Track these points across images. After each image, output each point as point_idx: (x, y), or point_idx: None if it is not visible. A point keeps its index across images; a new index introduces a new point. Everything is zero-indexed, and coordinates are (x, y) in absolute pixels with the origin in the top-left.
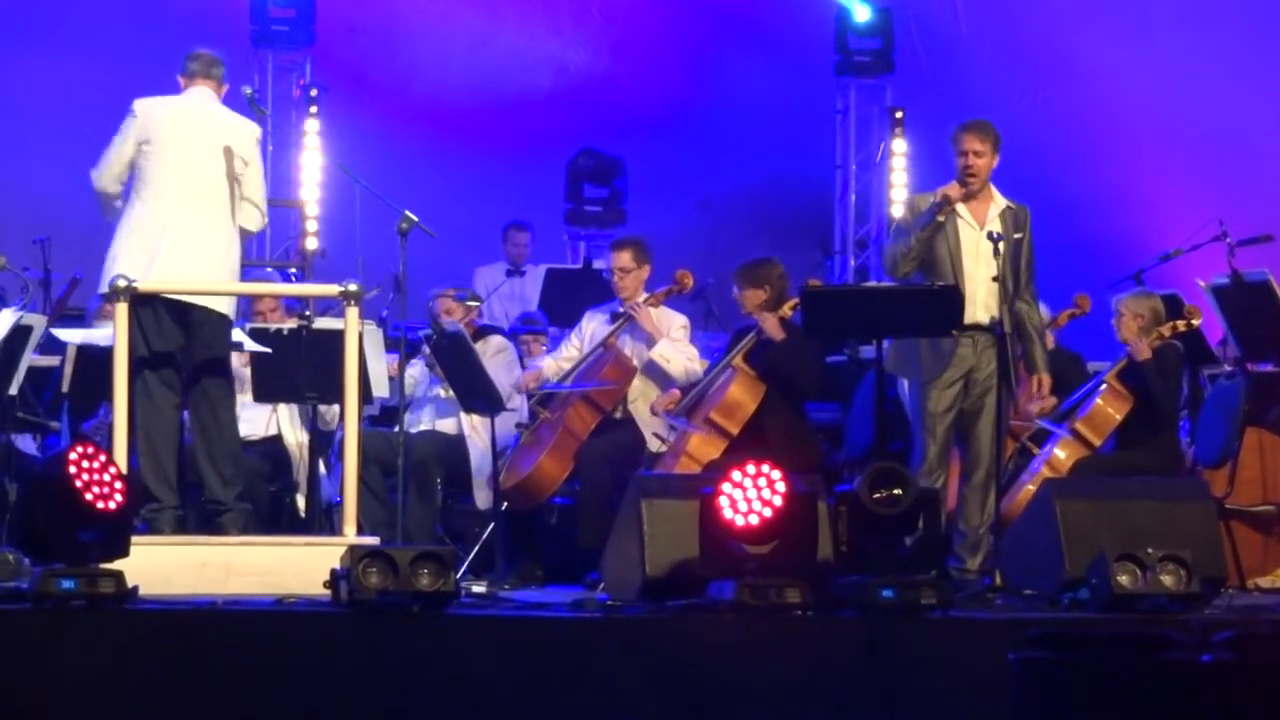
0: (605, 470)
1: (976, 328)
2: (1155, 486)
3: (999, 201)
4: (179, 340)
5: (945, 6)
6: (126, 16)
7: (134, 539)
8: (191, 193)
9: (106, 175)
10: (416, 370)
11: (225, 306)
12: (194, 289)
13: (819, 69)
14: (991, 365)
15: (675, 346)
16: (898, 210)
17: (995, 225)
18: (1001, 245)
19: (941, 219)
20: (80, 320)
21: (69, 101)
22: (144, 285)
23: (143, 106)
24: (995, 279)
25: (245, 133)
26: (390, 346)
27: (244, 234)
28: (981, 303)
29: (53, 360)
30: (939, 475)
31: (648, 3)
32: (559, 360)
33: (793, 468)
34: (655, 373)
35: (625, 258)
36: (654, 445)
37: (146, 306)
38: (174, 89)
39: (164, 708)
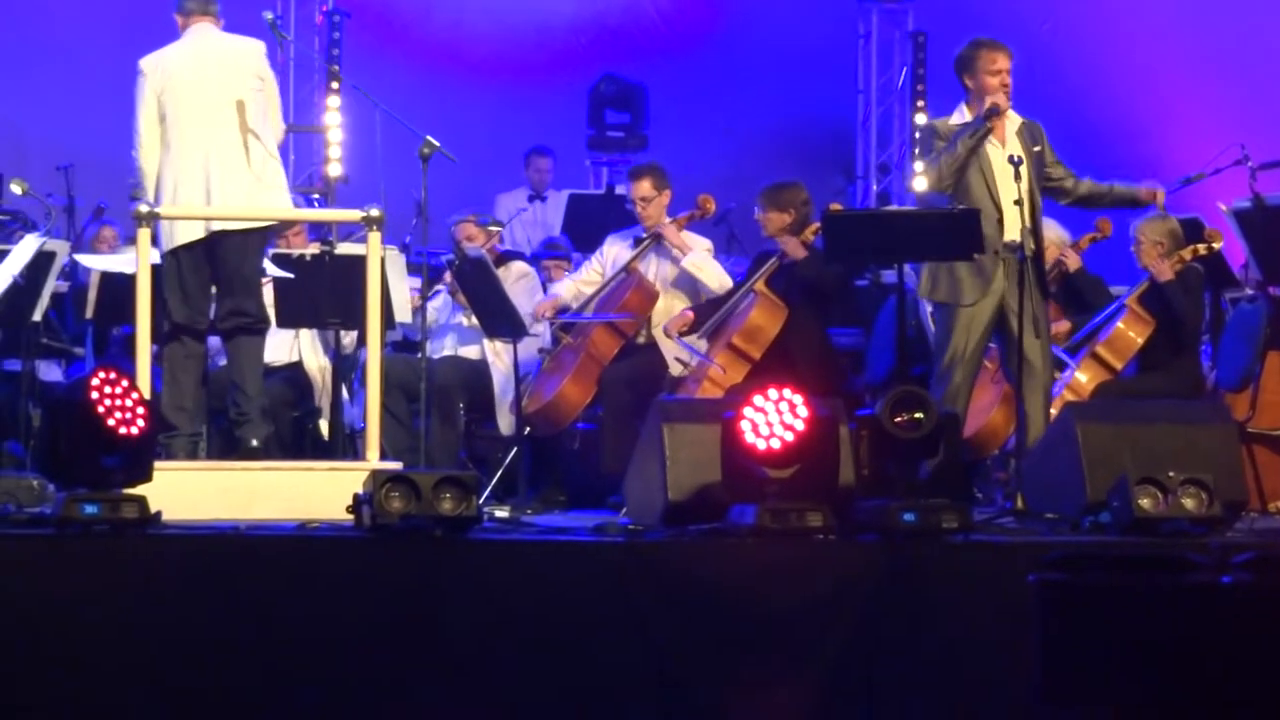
0: (627, 395)
1: (1008, 247)
2: (1176, 410)
3: (1014, 119)
4: (207, 270)
5: None
6: None
7: (157, 464)
8: (220, 127)
9: (147, 146)
10: (439, 300)
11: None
12: (212, 214)
13: None
14: (1019, 285)
15: (705, 257)
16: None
17: (1014, 144)
18: (1023, 168)
19: (991, 125)
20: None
21: (89, 30)
22: (167, 211)
23: (148, 64)
24: (1016, 202)
25: (253, 51)
26: (413, 272)
27: None
28: (1009, 223)
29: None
30: (962, 399)
31: None
32: (579, 283)
33: (816, 391)
34: (684, 287)
35: (645, 186)
36: (676, 370)
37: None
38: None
39: (187, 631)
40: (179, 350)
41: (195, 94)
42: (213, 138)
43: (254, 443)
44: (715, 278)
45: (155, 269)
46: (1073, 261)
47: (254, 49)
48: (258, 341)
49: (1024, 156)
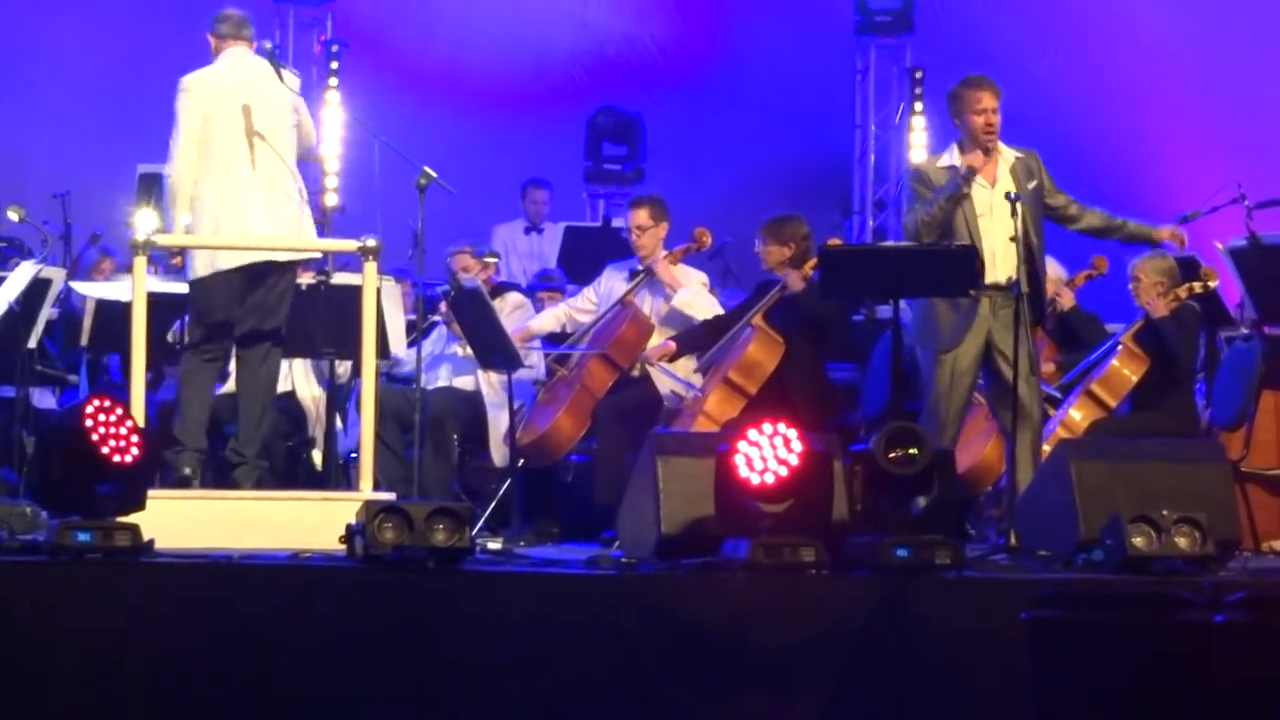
0: (622, 428)
1: (995, 288)
2: (1171, 448)
3: (1007, 155)
4: (238, 303)
5: None
6: None
7: (150, 492)
8: (267, 157)
9: (184, 162)
10: (434, 332)
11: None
12: (217, 244)
13: (839, 28)
14: (1009, 327)
15: (696, 294)
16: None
17: (1007, 181)
18: (1019, 205)
19: (967, 190)
20: (76, 273)
21: (90, 57)
22: (163, 240)
23: (194, 81)
24: (1012, 239)
25: (292, 85)
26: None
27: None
28: (999, 262)
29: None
30: (947, 439)
31: None
32: (572, 310)
33: (811, 425)
34: (676, 323)
35: (642, 215)
36: (664, 387)
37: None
38: (196, 45)
39: (179, 661)
40: (200, 366)
41: (243, 120)
42: (262, 166)
43: (245, 486)
44: (708, 315)
45: (150, 297)
46: (1066, 300)
47: (293, 84)
48: (277, 365)
49: (1019, 192)
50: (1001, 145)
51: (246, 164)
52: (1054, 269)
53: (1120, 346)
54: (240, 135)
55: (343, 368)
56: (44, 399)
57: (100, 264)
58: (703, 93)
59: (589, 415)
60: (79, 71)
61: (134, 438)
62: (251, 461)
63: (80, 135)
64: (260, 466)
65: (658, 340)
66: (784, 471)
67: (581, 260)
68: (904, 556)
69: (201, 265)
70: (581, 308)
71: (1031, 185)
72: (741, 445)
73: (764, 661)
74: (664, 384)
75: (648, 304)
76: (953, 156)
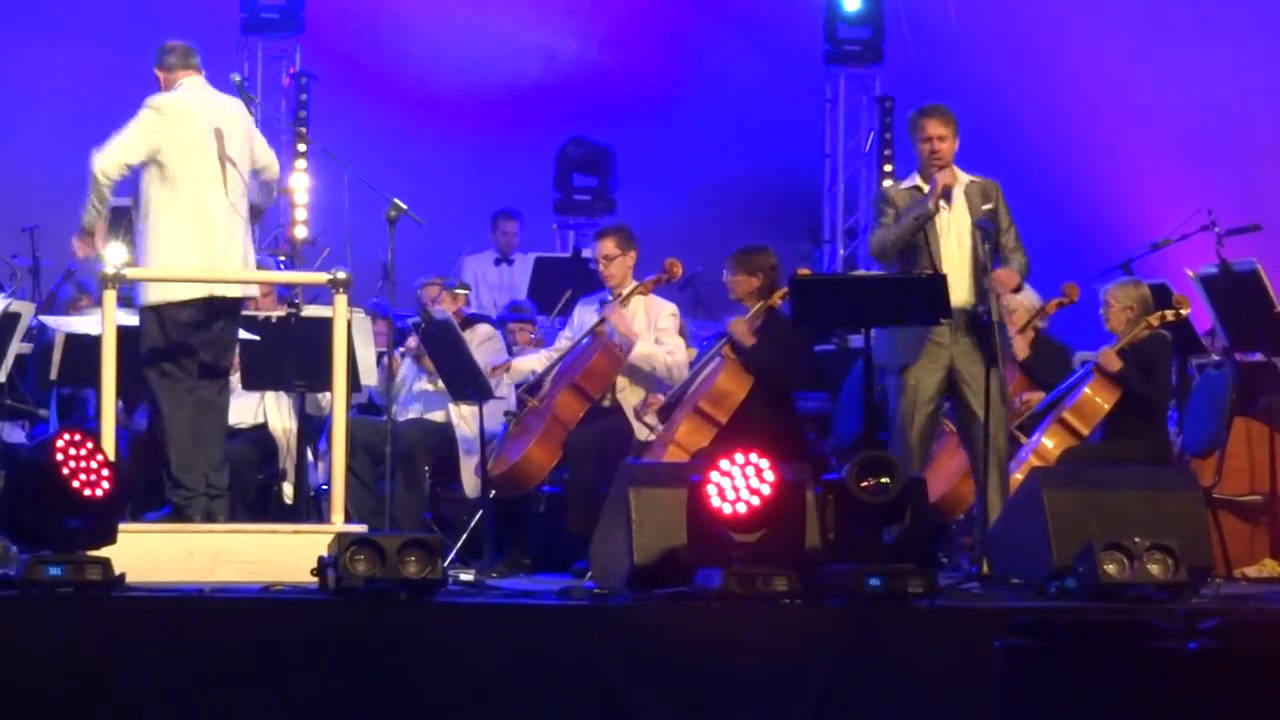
0: (593, 458)
1: (963, 313)
2: (1143, 476)
3: (962, 179)
4: (195, 332)
5: None
6: (118, 4)
7: (122, 526)
8: (221, 183)
9: (113, 162)
10: (403, 366)
11: (242, 293)
12: (184, 276)
13: (808, 58)
14: (971, 352)
15: (652, 348)
16: None
17: (961, 204)
18: (976, 233)
19: (934, 209)
20: (52, 308)
21: (59, 89)
22: (133, 274)
23: (168, 105)
24: (979, 264)
25: (245, 113)
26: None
27: (257, 211)
28: (956, 286)
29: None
30: (914, 464)
31: None
32: (555, 354)
33: (781, 455)
34: (638, 369)
35: (609, 245)
36: (642, 434)
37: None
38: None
39: (151, 695)
40: (184, 400)
41: (216, 145)
42: (232, 194)
43: (195, 518)
44: (662, 369)
45: (120, 330)
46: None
47: (246, 111)
48: (225, 407)
49: (973, 210)
50: (958, 170)
51: (220, 190)
52: (1029, 297)
53: (1092, 375)
54: (214, 161)
55: (324, 399)
56: (14, 434)
57: (78, 300)
58: (672, 122)
59: (560, 446)
60: (46, 105)
61: (105, 471)
62: (224, 493)
63: (48, 169)
64: (206, 500)
65: (628, 373)
66: (756, 501)
67: (552, 291)
68: (876, 585)
69: (151, 295)
70: (559, 348)
71: (986, 208)
72: (714, 475)
73: (737, 691)
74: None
75: (618, 335)
76: (914, 181)
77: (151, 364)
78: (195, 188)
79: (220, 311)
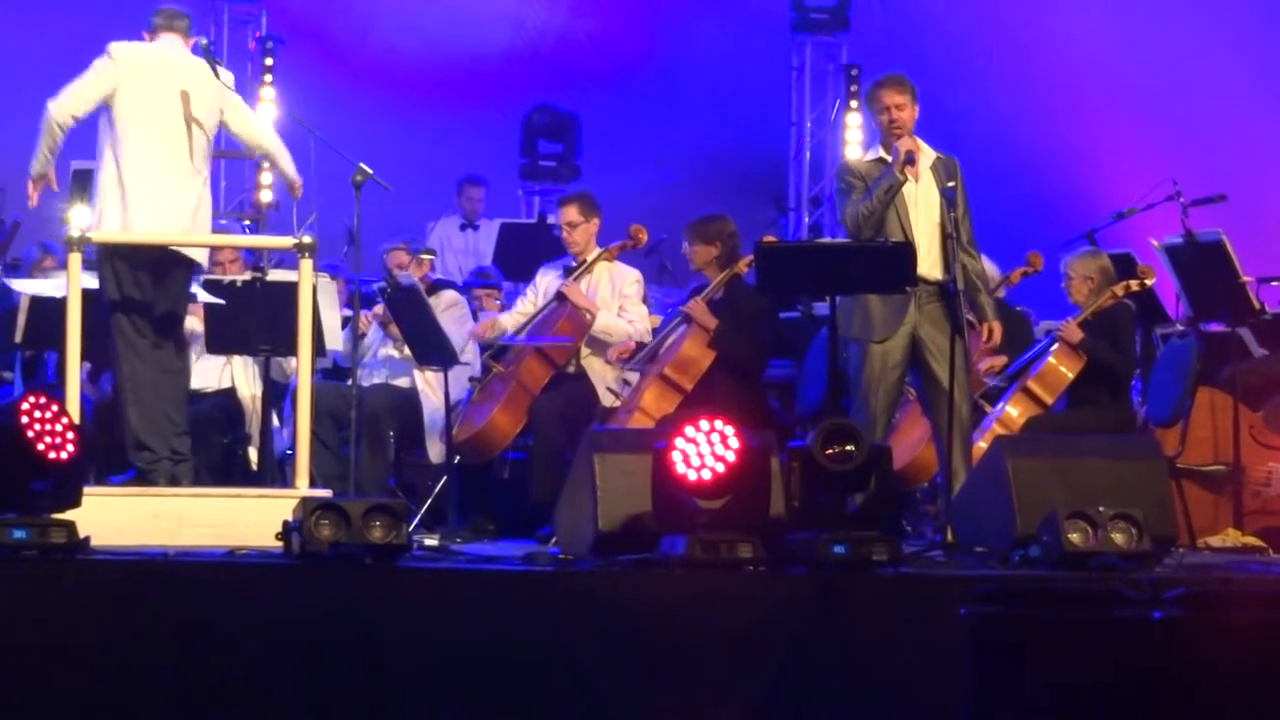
0: (558, 424)
1: (922, 281)
2: (1107, 445)
3: (928, 154)
4: (150, 288)
5: None
6: None
7: (86, 489)
8: (168, 140)
9: (66, 109)
10: (370, 330)
11: (198, 254)
12: (151, 239)
13: (775, 26)
14: (937, 320)
15: (614, 320)
16: None
17: (928, 177)
18: (944, 200)
19: (903, 177)
20: (17, 271)
21: (19, 52)
22: (98, 236)
23: (120, 51)
24: (948, 235)
25: (227, 81)
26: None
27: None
28: (923, 257)
29: None
30: (878, 433)
31: None
32: (514, 316)
33: (744, 421)
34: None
35: (571, 212)
36: (607, 400)
37: (121, 255)
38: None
39: (115, 658)
40: (145, 359)
41: (181, 107)
42: (197, 157)
43: (160, 481)
44: (625, 339)
45: (85, 294)
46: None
47: (226, 77)
48: (185, 372)
49: (939, 186)
50: (924, 144)
51: (185, 152)
52: (988, 267)
53: (1057, 343)
54: (179, 121)
55: (289, 364)
56: None
57: (42, 261)
58: (638, 90)
59: (525, 412)
60: (9, 66)
61: (70, 434)
62: (190, 457)
63: (10, 130)
64: (172, 465)
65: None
66: (721, 468)
67: (517, 257)
68: (841, 553)
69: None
70: (522, 311)
71: (950, 184)
72: (679, 442)
73: (701, 657)
74: (601, 380)
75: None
76: (877, 152)
77: (112, 314)
78: (149, 136)
79: (172, 264)
